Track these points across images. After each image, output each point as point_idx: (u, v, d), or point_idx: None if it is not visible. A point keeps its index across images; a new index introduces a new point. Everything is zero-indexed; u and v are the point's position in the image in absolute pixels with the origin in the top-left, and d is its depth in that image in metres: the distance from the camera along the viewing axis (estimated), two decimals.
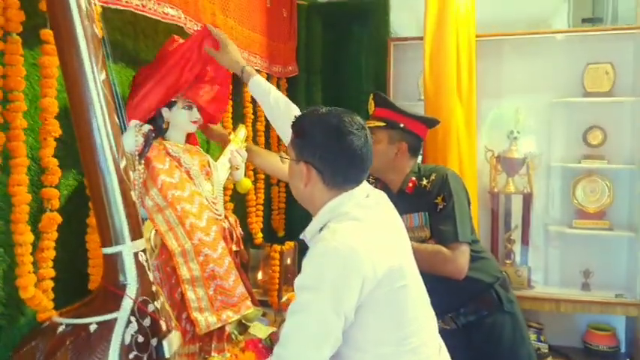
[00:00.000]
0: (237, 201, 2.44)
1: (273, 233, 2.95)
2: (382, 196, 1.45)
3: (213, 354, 1.64)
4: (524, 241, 3.05)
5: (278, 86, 2.90)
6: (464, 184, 2.04)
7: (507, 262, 3.06)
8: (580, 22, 4.46)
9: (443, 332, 1.96)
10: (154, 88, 1.66)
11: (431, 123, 2.13)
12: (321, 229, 1.28)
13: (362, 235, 1.21)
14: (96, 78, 1.16)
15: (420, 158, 2.67)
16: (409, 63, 3.08)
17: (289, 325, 1.18)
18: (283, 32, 2.87)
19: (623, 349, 3.03)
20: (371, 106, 2.14)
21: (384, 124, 2.04)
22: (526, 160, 3.01)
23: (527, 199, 3.04)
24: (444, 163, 2.45)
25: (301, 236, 1.38)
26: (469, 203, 2.02)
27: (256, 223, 2.56)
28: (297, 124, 1.34)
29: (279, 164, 2.02)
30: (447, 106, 2.42)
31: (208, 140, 2.33)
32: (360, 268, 1.16)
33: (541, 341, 2.94)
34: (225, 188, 2.21)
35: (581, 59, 2.96)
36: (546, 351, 2.94)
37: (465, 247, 1.90)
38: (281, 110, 1.75)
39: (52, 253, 1.31)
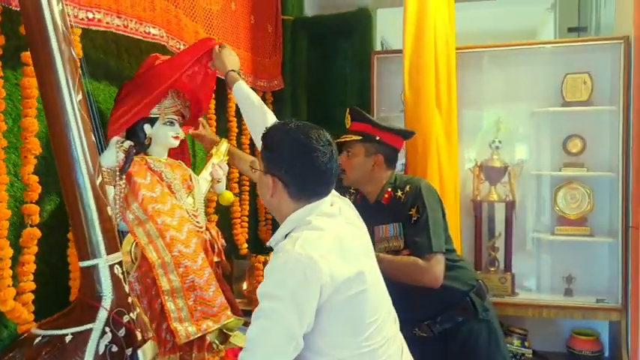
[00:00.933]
0: (223, 213, 2.50)
1: (261, 244, 3.00)
2: (346, 203, 1.52)
3: None
4: (508, 248, 3.09)
5: (263, 100, 2.95)
6: (438, 195, 2.09)
7: (491, 269, 3.11)
8: (566, 32, 4.55)
9: (419, 340, 2.03)
10: (139, 102, 1.72)
11: (406, 135, 2.20)
12: (286, 237, 1.34)
13: (321, 244, 1.27)
14: (72, 99, 1.21)
15: (402, 167, 2.75)
16: (393, 75, 3.13)
17: (253, 332, 1.24)
18: (268, 47, 2.94)
19: (607, 354, 3.07)
20: (347, 121, 2.20)
21: (360, 137, 2.10)
22: (508, 169, 3.07)
23: (510, 207, 3.09)
24: (424, 173, 2.50)
25: (268, 243, 1.43)
26: (444, 213, 2.07)
27: (242, 235, 2.61)
28: (266, 137, 1.41)
29: None
30: (426, 117, 2.48)
31: (195, 154, 2.39)
32: (318, 276, 1.22)
33: (525, 347, 2.98)
34: (209, 200, 2.27)
35: (560, 69, 3.03)
36: (530, 356, 2.98)
37: (439, 256, 1.95)
38: (258, 118, 1.80)
39: (33, 267, 1.36)
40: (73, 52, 1.24)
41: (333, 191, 1.46)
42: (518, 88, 3.13)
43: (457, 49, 2.94)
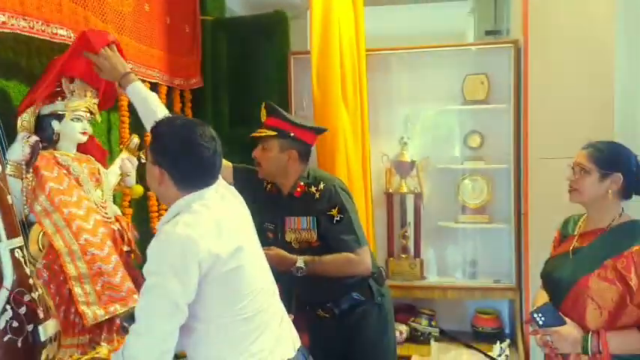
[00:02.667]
0: (139, 207, 2.59)
1: None
2: (230, 191, 1.68)
3: (102, 344, 1.79)
4: (417, 236, 3.33)
5: (182, 98, 3.06)
6: (349, 192, 2.27)
7: (403, 255, 3.34)
8: (484, 34, 4.88)
9: (323, 320, 2.22)
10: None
11: (319, 131, 2.33)
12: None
13: (199, 226, 1.43)
14: None
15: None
16: (309, 75, 3.31)
17: (141, 305, 1.39)
18: (185, 47, 3.04)
19: (507, 331, 3.36)
20: (263, 115, 2.31)
21: (274, 133, 2.21)
22: (415, 163, 3.31)
23: (418, 198, 3.33)
24: (332, 165, 2.67)
25: (156, 227, 1.57)
26: (356, 208, 2.26)
27: None
28: (154, 131, 1.55)
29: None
30: (334, 114, 2.66)
31: (111, 150, 2.46)
32: (196, 252, 1.38)
33: (432, 326, 3.23)
34: (124, 194, 2.37)
35: (461, 71, 3.29)
36: (437, 334, 3.23)
37: (366, 248, 2.18)
38: (156, 116, 1.87)
39: None
40: None
41: (220, 180, 1.62)
42: (424, 88, 3.38)
43: (367, 51, 3.16)
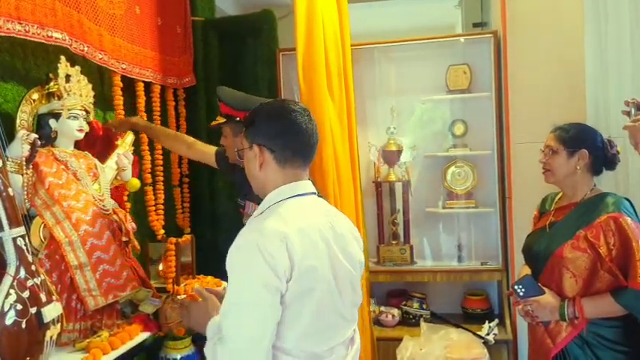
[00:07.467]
0: (137, 201, 2.71)
1: (180, 231, 3.21)
2: (321, 202, 1.56)
3: (103, 329, 1.91)
4: (406, 222, 3.45)
5: (175, 96, 3.16)
6: None
7: (393, 242, 3.46)
8: (472, 27, 4.98)
9: None
10: None
11: None
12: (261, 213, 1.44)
13: (280, 238, 1.31)
14: None
15: None
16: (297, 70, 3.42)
17: (229, 312, 1.32)
18: (177, 47, 3.15)
19: (496, 311, 3.48)
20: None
21: (224, 120, 2.19)
22: (403, 152, 3.42)
23: (406, 186, 3.44)
24: (319, 156, 2.76)
25: (252, 215, 1.52)
26: None
27: (157, 221, 2.82)
28: (247, 118, 1.52)
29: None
30: (320, 107, 2.75)
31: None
32: (274, 266, 1.29)
33: (423, 309, 3.34)
34: (123, 189, 2.48)
35: (444, 62, 3.40)
36: (429, 317, 3.34)
37: None
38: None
39: None
40: None
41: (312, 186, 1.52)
42: (409, 80, 3.49)
43: (353, 45, 3.27)
